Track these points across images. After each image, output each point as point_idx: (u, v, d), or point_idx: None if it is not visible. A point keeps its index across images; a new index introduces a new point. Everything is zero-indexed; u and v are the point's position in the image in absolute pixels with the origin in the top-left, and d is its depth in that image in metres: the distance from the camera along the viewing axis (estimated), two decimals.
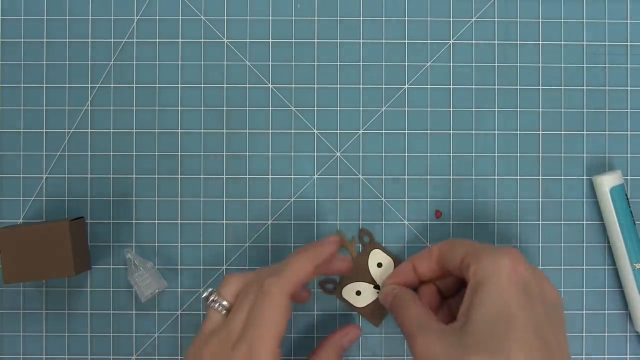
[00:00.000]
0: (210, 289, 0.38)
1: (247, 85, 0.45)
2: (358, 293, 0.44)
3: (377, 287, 0.44)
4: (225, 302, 0.37)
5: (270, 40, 0.45)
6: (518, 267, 0.34)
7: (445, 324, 0.35)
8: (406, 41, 0.45)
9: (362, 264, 0.44)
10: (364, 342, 0.44)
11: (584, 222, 0.45)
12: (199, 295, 0.44)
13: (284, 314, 0.36)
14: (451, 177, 0.45)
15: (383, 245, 0.44)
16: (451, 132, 0.45)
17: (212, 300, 0.37)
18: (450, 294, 0.40)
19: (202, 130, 0.45)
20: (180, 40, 0.45)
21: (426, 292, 0.40)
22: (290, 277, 0.37)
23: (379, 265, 0.44)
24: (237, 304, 0.37)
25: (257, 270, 0.38)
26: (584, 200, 0.45)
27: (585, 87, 0.45)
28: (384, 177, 0.45)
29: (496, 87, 0.45)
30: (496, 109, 0.45)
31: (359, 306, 0.43)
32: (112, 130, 0.45)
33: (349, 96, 0.45)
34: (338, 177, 0.45)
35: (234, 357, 0.35)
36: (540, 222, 0.45)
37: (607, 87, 0.45)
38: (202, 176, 0.45)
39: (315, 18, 0.45)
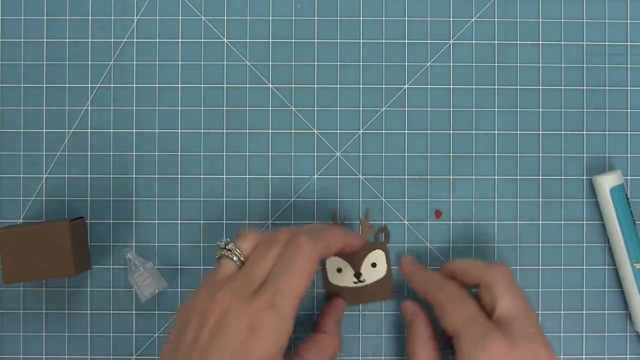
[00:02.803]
0: (227, 239, 0.38)
1: (247, 85, 0.45)
2: (339, 270, 0.44)
3: (357, 277, 0.44)
4: (241, 254, 0.37)
5: (270, 40, 0.45)
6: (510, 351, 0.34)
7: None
8: (406, 41, 0.45)
9: (361, 254, 0.44)
10: (364, 342, 0.44)
11: (584, 222, 0.45)
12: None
13: (313, 271, 0.36)
14: (451, 177, 0.45)
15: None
16: (451, 132, 0.45)
17: (228, 250, 0.37)
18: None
19: (202, 130, 0.45)
20: (180, 40, 0.45)
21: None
22: (325, 243, 0.37)
23: (373, 265, 0.44)
24: (257, 254, 0.37)
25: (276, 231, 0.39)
26: (584, 200, 0.45)
27: (585, 87, 0.45)
28: (384, 177, 0.45)
29: (496, 87, 0.45)
30: (496, 109, 0.45)
31: (335, 283, 0.43)
32: (112, 130, 0.45)
33: (349, 96, 0.45)
34: (338, 177, 0.45)
35: (255, 303, 0.34)
36: (540, 222, 0.45)
37: (607, 87, 0.45)
38: (202, 176, 0.45)
39: (315, 18, 0.45)
